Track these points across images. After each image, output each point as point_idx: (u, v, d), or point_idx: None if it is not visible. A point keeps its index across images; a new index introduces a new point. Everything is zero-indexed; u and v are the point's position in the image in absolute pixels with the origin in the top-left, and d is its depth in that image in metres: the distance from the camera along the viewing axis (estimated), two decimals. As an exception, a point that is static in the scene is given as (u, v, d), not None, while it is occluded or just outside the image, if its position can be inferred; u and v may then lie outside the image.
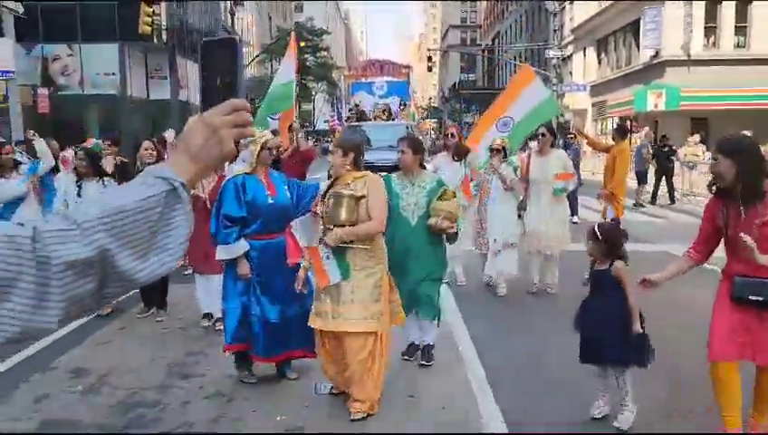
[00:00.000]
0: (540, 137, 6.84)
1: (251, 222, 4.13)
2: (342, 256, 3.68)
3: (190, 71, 35.11)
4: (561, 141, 22.46)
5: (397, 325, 4.15)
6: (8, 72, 13.36)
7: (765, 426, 3.42)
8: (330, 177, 4.29)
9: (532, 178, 6.62)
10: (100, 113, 29.15)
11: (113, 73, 28.16)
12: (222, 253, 4.09)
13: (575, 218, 11.96)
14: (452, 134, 6.96)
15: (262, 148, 4.18)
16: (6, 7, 13.63)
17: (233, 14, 34.74)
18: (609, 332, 3.57)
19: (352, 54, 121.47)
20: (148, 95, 31.36)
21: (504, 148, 6.63)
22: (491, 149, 6.65)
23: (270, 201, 4.16)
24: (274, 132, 7.74)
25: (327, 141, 23.95)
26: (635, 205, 14.42)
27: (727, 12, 25.93)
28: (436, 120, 61.34)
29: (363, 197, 3.71)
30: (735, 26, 26.08)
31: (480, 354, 4.79)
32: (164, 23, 30.74)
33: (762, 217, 3.12)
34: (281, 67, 7.35)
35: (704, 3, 25.55)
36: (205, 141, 1.04)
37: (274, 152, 4.38)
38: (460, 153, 6.61)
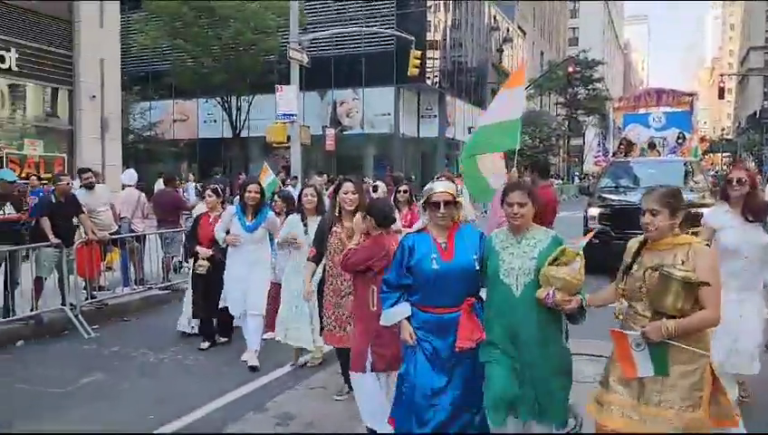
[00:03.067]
0: None
1: (414, 291, 3.39)
2: (661, 347, 2.81)
3: (458, 109, 36.41)
4: None
5: (726, 428, 2.96)
6: (292, 114, 15.16)
7: None
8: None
9: None
10: (375, 150, 31.91)
11: (388, 114, 30.60)
12: (382, 318, 3.53)
13: None
14: (738, 180, 4.38)
15: (427, 201, 3.42)
16: (293, 58, 15.51)
17: (501, 51, 35.11)
18: None
19: (630, 85, 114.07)
20: (418, 133, 33.33)
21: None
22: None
23: (435, 267, 3.29)
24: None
25: (591, 179, 22.35)
26: None
27: None
28: (728, 154, 53.80)
29: (706, 284, 2.76)
30: None
31: None
32: (436, 65, 32.44)
33: None
34: (504, 101, 5.84)
35: None
36: None
37: (442, 210, 3.34)
38: (756, 210, 4.37)
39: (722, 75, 41.23)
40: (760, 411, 4.42)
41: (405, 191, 6.14)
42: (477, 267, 3.34)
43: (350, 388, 4.41)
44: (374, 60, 29.55)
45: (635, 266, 2.96)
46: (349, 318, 4.36)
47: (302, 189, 5.82)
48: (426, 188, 3.55)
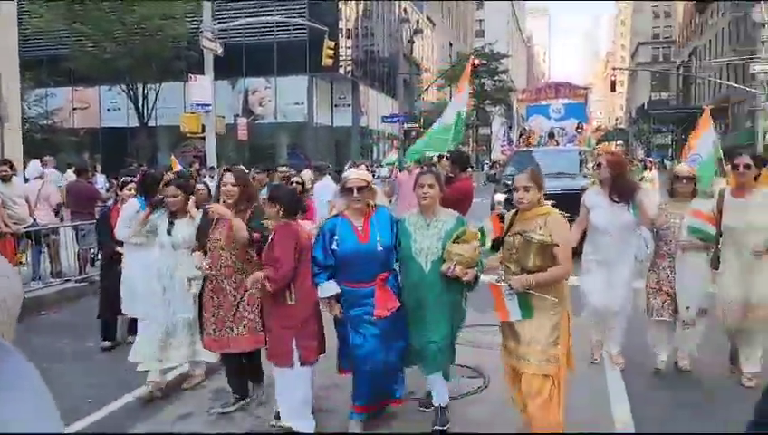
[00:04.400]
0: (740, 169, 4.72)
1: (338, 270, 3.81)
2: (525, 296, 3.45)
3: (372, 98, 36.94)
4: None
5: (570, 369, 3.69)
6: (207, 105, 15.03)
7: None
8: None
9: (726, 225, 4.74)
10: (288, 139, 31.85)
11: (302, 103, 30.61)
12: (320, 291, 3.85)
13: None
14: (598, 165, 5.12)
15: (343, 187, 3.85)
16: (207, 47, 15.35)
17: (412, 42, 35.90)
18: None
19: (534, 77, 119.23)
20: (332, 122, 33.55)
21: (693, 177, 5.11)
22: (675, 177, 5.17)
23: (355, 248, 3.75)
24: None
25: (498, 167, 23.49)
26: None
27: None
28: (620, 142, 57.64)
29: (555, 245, 3.38)
30: None
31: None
32: (349, 54, 32.77)
33: None
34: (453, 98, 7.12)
35: None
36: None
37: (356, 194, 3.75)
38: (622, 192, 4.91)
39: (614, 69, 44.15)
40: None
41: (299, 183, 6.29)
42: (392, 246, 3.83)
43: (239, 396, 4.39)
44: (286, 48, 29.45)
45: (507, 235, 3.60)
46: (234, 318, 4.16)
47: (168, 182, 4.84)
48: (343, 175, 3.97)
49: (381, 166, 25.53)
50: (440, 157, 7.04)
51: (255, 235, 4.09)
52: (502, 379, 4.04)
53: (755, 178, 4.79)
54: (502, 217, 3.92)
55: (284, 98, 30.63)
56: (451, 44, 59.01)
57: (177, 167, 10.23)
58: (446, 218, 3.82)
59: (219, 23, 17.81)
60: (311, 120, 30.76)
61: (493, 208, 10.91)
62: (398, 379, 4.07)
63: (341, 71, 31.37)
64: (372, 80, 37.40)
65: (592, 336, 5.31)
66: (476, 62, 38.69)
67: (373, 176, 10.57)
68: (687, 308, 4.83)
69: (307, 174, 8.01)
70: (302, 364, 3.85)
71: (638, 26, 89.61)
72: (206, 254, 4.25)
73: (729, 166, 5.17)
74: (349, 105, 34.26)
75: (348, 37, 32.62)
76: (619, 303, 5.02)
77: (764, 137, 30.58)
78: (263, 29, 28.85)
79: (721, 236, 4.82)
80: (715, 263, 4.87)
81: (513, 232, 3.56)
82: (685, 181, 5.01)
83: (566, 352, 3.54)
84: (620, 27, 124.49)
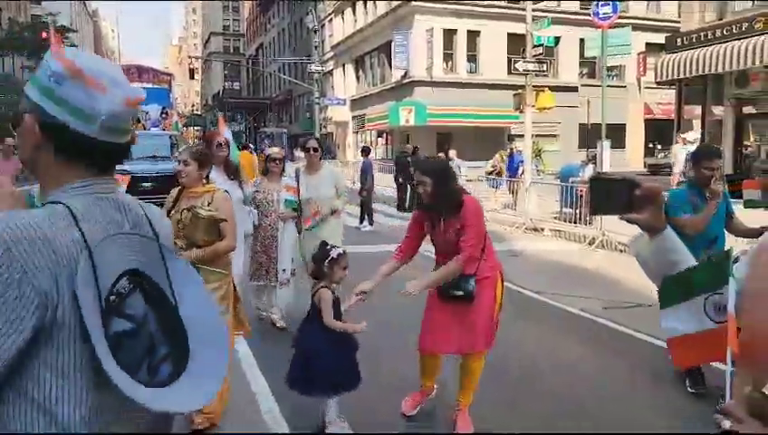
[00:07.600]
0: (311, 152, 5.75)
1: None
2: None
3: None
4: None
5: (240, 334, 4.20)
6: None
7: (466, 405, 3.91)
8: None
9: (303, 197, 5.72)
10: None
11: None
12: None
13: (365, 226, 12.58)
14: (218, 145, 5.42)
15: None
16: None
17: (-50, 1, 29.67)
18: (316, 362, 3.59)
19: (104, 56, 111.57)
20: None
21: (283, 158, 6.12)
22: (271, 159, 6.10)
23: None
24: None
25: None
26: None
27: (460, 41, 29.75)
28: (199, 128, 59.49)
29: (224, 220, 3.69)
30: (467, 54, 30.04)
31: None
32: None
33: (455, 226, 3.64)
34: None
35: (441, 31, 29.00)
36: None
37: None
38: (230, 171, 5.53)
39: (190, 57, 45.28)
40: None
41: None
42: None
43: None
44: None
45: (173, 211, 3.80)
46: None
47: None
48: None
49: None
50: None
51: None
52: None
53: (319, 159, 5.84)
54: None
55: None
56: (1, 9, 50.69)
57: None
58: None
59: None
60: None
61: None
62: None
63: None
64: None
65: None
66: (45, 35, 34.40)
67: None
68: (284, 270, 5.70)
69: None
70: None
71: (210, 16, 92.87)
72: None
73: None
74: None
75: None
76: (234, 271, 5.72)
77: (320, 126, 36.22)
78: None
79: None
80: (299, 230, 5.80)
81: (179, 208, 3.76)
82: (276, 162, 6.00)
83: (236, 316, 3.95)
84: (192, 15, 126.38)
